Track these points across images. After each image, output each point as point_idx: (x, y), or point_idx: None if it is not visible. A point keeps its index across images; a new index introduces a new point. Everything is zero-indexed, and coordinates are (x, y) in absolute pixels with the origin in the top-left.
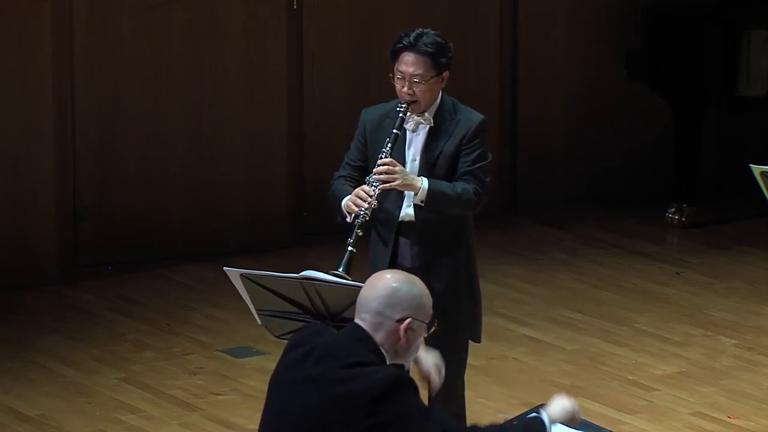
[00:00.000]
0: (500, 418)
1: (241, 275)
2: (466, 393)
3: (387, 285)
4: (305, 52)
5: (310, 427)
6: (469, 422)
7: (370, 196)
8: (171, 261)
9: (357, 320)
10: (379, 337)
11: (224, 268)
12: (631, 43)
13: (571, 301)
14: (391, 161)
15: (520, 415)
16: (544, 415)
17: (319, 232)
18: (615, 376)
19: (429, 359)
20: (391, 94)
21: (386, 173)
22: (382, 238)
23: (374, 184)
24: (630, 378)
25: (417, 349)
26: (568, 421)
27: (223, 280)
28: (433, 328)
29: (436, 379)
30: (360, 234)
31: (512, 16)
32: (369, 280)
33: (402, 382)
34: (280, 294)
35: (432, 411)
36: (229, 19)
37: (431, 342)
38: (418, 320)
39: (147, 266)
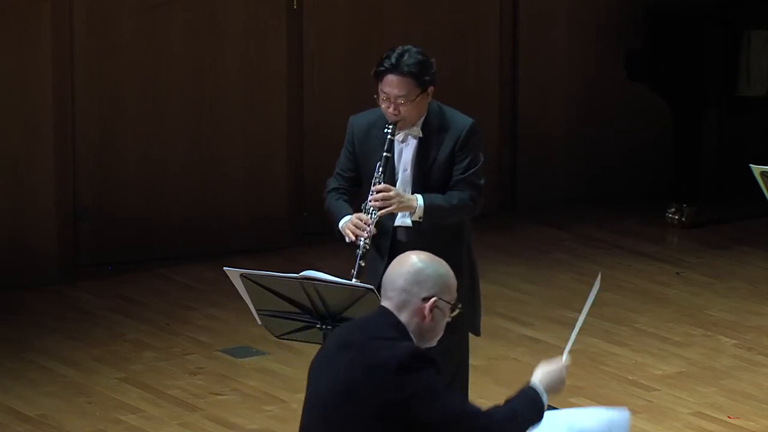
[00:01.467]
0: None
1: (241, 275)
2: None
3: (413, 264)
4: (305, 52)
5: (338, 392)
6: None
7: (368, 225)
8: (171, 261)
9: (383, 302)
10: (404, 316)
11: (224, 268)
12: (631, 43)
13: (571, 301)
14: (386, 187)
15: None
16: (537, 385)
17: (319, 232)
18: (615, 376)
19: None
20: None
21: (382, 200)
22: (379, 249)
23: (371, 211)
24: (630, 378)
25: (442, 330)
26: (558, 389)
27: (223, 280)
28: (457, 311)
29: None
30: (363, 265)
31: (512, 16)
32: (395, 260)
33: (426, 357)
34: (280, 294)
35: (450, 390)
36: (229, 19)
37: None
38: (443, 300)
39: (147, 266)
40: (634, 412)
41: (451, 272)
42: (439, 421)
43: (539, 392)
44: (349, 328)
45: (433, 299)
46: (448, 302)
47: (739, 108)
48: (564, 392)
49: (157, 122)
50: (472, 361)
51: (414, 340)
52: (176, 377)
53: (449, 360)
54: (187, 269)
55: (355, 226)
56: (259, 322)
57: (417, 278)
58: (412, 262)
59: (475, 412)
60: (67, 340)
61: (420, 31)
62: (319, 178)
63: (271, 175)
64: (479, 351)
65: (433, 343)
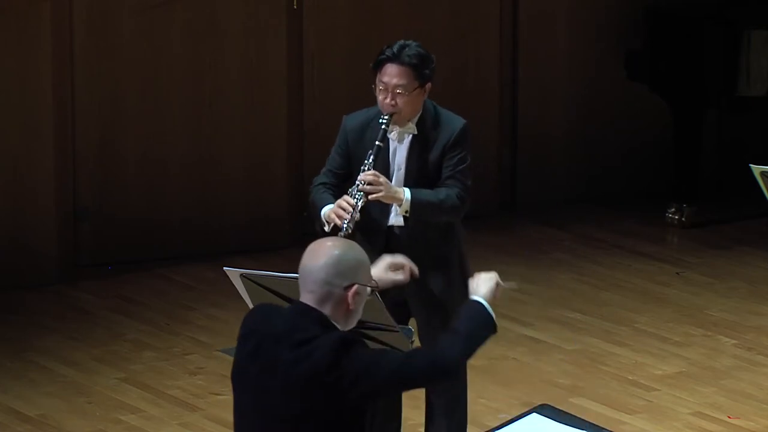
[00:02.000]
0: (500, 418)
1: (241, 275)
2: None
3: (331, 253)
4: (305, 52)
5: (283, 417)
6: (469, 423)
7: (353, 208)
8: (171, 261)
9: (303, 296)
10: (327, 308)
11: (224, 268)
12: (631, 43)
13: (571, 301)
14: (375, 173)
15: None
16: (479, 298)
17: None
18: (615, 376)
19: (381, 267)
20: None
21: (370, 185)
22: (373, 247)
23: (357, 195)
24: (630, 378)
25: (360, 312)
26: (495, 294)
27: (223, 280)
28: (374, 291)
29: (407, 269)
30: None
31: (512, 16)
32: (310, 251)
33: (347, 341)
34: (280, 294)
35: (383, 352)
36: (229, 19)
37: (430, 344)
38: (362, 285)
39: (147, 266)
40: (634, 412)
41: (363, 252)
42: (384, 383)
43: (482, 303)
44: (268, 338)
45: (355, 286)
46: (366, 285)
47: (739, 108)
48: (564, 392)
49: (157, 122)
50: (472, 360)
51: (339, 327)
52: (176, 377)
53: None
54: (187, 269)
55: (340, 208)
56: None
57: (337, 268)
58: (329, 251)
59: (413, 353)
60: (67, 340)
61: (420, 31)
62: None
63: (271, 175)
64: (479, 351)
65: (355, 323)
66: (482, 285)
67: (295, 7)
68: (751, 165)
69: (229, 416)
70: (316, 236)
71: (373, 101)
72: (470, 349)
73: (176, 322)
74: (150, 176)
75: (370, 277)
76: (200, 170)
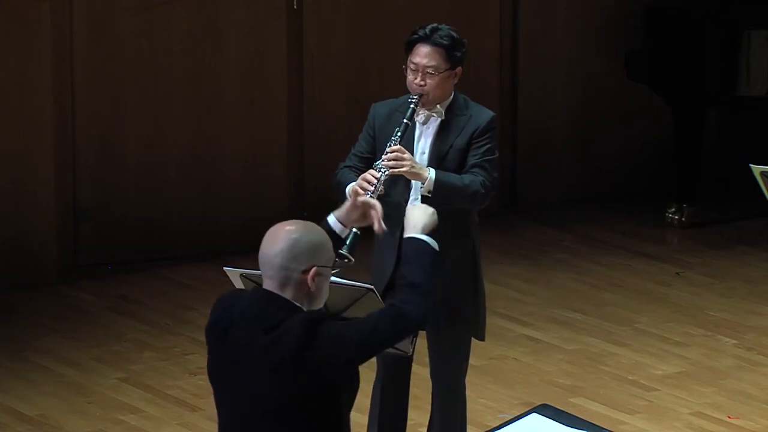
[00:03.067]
0: (500, 418)
1: (241, 275)
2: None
3: (287, 237)
4: (305, 52)
5: (266, 410)
6: (469, 423)
7: (377, 179)
8: (171, 261)
9: (265, 282)
10: (289, 292)
11: (224, 268)
12: (631, 43)
13: (571, 301)
14: (400, 148)
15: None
16: (420, 236)
17: None
18: (615, 376)
19: (347, 207)
20: (392, 93)
21: (395, 159)
22: (390, 231)
23: (382, 169)
24: (630, 378)
25: (327, 292)
26: (431, 227)
27: (223, 280)
28: (337, 269)
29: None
30: None
31: (512, 16)
32: (268, 235)
33: (314, 320)
34: None
35: (349, 323)
36: (229, 19)
37: (434, 337)
38: (322, 266)
39: (147, 266)
40: (634, 412)
41: (322, 233)
42: (358, 350)
43: (421, 240)
44: (237, 327)
45: (313, 269)
46: (327, 266)
47: (739, 108)
48: (564, 392)
49: (157, 122)
50: (472, 361)
51: (304, 308)
52: (176, 377)
53: (450, 360)
54: (187, 269)
55: (365, 180)
56: None
57: (293, 253)
58: (285, 236)
59: (379, 317)
60: (67, 340)
61: None
62: (319, 178)
63: (271, 175)
64: (479, 351)
65: (322, 304)
66: (419, 218)
67: (295, 7)
68: (751, 165)
69: None
70: None
71: (372, 101)
72: (431, 295)
73: (176, 322)
74: (150, 176)
75: (332, 256)
76: (200, 170)
